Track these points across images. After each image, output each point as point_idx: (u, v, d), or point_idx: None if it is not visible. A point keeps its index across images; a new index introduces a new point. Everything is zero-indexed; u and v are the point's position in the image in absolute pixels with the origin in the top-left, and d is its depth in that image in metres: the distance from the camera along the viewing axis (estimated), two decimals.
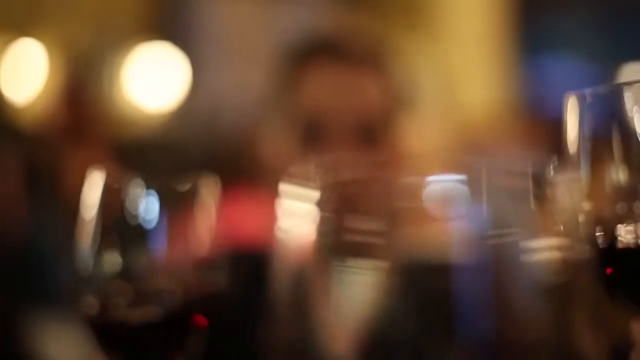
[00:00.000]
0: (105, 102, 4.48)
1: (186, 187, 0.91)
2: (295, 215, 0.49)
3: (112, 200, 0.90)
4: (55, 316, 2.99)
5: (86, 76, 4.47)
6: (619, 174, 0.70)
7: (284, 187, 0.50)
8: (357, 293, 0.48)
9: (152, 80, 4.81)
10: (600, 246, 0.71)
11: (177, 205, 0.91)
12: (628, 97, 0.70)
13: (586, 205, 0.71)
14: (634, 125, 0.70)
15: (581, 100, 0.71)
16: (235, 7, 5.01)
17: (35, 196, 3.34)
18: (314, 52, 1.65)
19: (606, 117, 0.71)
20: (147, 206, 0.90)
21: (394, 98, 1.62)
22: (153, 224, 0.89)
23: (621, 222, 0.70)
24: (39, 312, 2.83)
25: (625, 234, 0.70)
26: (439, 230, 0.47)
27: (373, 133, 1.55)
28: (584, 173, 0.71)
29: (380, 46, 1.82)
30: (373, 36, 2.06)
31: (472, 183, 0.47)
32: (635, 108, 0.70)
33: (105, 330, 0.88)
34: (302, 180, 0.49)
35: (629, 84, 0.70)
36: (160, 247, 0.89)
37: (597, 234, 0.70)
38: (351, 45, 1.67)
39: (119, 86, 4.77)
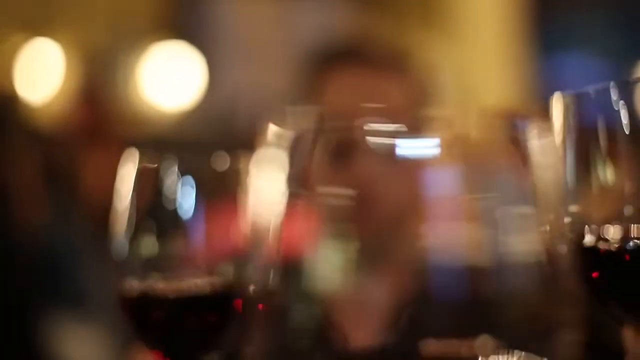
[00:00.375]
0: (121, 101, 4.49)
1: (224, 167, 0.89)
2: (266, 195, 0.49)
3: (147, 181, 0.89)
4: (71, 316, 3.00)
5: (102, 75, 4.48)
6: (607, 174, 0.69)
7: (253, 170, 0.51)
8: (332, 261, 0.48)
9: (168, 79, 4.82)
10: (587, 248, 0.69)
11: (215, 187, 0.89)
12: (616, 96, 0.68)
13: (573, 207, 0.69)
14: (622, 124, 0.68)
15: (569, 99, 0.71)
16: (250, 5, 5.01)
17: (53, 196, 3.35)
18: (336, 58, 1.66)
19: (594, 117, 0.70)
20: (184, 187, 0.88)
21: (417, 101, 1.63)
22: (189, 205, 0.88)
23: (609, 224, 0.69)
24: (56, 311, 2.84)
25: (613, 236, 0.69)
26: (415, 195, 0.47)
27: None
28: (570, 173, 0.70)
29: (402, 49, 1.83)
30: (394, 39, 2.06)
31: (445, 145, 0.48)
32: (621, 104, 0.68)
33: (144, 313, 0.88)
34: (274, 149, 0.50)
35: (617, 83, 0.69)
36: (197, 229, 0.88)
37: (585, 235, 0.69)
38: (373, 49, 1.68)
39: (135, 85, 4.79)
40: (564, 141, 0.70)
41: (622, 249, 0.68)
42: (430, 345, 0.47)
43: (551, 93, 0.70)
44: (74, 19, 4.64)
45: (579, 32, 5.42)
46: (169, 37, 4.83)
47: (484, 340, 0.46)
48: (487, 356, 0.46)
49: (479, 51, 5.21)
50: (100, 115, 3.79)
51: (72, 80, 4.44)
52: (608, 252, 0.68)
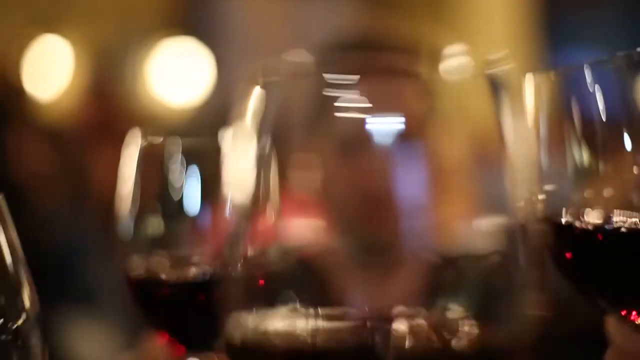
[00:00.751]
0: (130, 97, 4.50)
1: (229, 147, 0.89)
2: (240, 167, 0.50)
3: (151, 158, 0.90)
4: (82, 312, 3.01)
5: (111, 72, 4.50)
6: (581, 155, 0.68)
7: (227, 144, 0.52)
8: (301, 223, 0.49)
9: (177, 76, 4.83)
10: (562, 227, 0.68)
11: (219, 167, 0.89)
12: (590, 77, 0.67)
13: (548, 186, 0.68)
14: (596, 105, 0.67)
15: (542, 80, 0.69)
16: (259, 2, 5.01)
17: (62, 191, 3.36)
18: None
19: (567, 98, 0.69)
20: (188, 167, 0.89)
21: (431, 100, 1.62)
22: (194, 184, 0.89)
23: (584, 204, 0.68)
24: (66, 307, 2.85)
25: (588, 216, 0.68)
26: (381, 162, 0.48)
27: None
28: (544, 153, 0.68)
29: (415, 47, 1.83)
30: (403, 36, 2.07)
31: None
32: (596, 87, 0.67)
33: (149, 293, 0.89)
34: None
35: (590, 64, 0.68)
36: (203, 209, 0.89)
37: (559, 214, 0.68)
38: (385, 45, 1.67)
39: (144, 82, 4.79)
40: (537, 120, 0.69)
41: (596, 229, 0.67)
42: (402, 312, 0.48)
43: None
44: (83, 16, 4.65)
45: (590, 29, 5.41)
46: (177, 33, 4.84)
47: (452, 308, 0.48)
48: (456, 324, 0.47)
49: (488, 48, 5.20)
50: (109, 112, 3.80)
51: (81, 77, 4.45)
52: (582, 232, 0.67)
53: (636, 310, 0.68)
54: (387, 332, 0.48)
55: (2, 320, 0.57)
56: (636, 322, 0.69)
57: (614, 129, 0.67)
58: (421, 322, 0.48)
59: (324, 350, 0.49)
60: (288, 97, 0.52)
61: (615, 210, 0.67)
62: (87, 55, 4.52)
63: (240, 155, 0.52)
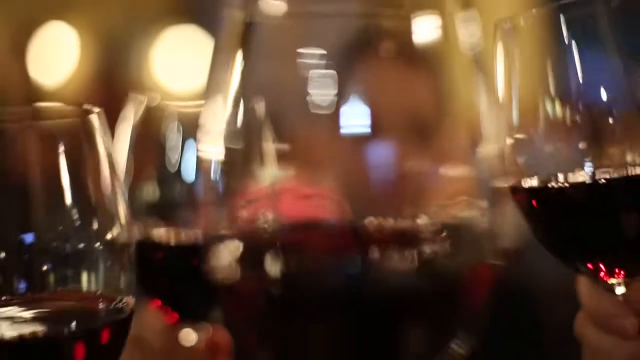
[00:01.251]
0: (135, 85, 4.51)
1: None
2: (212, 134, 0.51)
3: (148, 123, 0.90)
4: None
5: (117, 59, 4.50)
6: (554, 106, 0.66)
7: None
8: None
9: (182, 64, 4.83)
10: (529, 182, 0.67)
11: None
12: (564, 22, 0.65)
13: (517, 135, 0.67)
14: (571, 53, 0.65)
15: (511, 28, 0.67)
16: None
17: None
18: (361, 48, 1.66)
19: (539, 46, 0.67)
20: (183, 134, 0.89)
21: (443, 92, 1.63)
22: (189, 152, 0.89)
23: (551, 159, 0.66)
24: None
25: (557, 170, 0.66)
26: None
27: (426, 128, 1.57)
28: (514, 105, 0.67)
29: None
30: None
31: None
32: (570, 35, 0.66)
33: (143, 256, 0.89)
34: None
35: (564, 5, 0.65)
36: (197, 175, 0.89)
37: (528, 168, 0.67)
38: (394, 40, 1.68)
39: (149, 69, 4.80)
40: (507, 69, 0.67)
41: (566, 182, 0.66)
42: (372, 223, 0.49)
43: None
44: (89, 3, 4.66)
45: (595, 27, 5.38)
46: (183, 21, 4.85)
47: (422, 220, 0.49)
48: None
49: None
50: (114, 99, 3.81)
51: (87, 64, 4.46)
52: (550, 185, 0.66)
53: (603, 264, 0.67)
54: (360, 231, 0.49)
55: (97, 228, 0.59)
56: (608, 281, 0.68)
57: (587, 76, 0.66)
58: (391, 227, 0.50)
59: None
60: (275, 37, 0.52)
61: (587, 163, 0.66)
62: (93, 43, 4.53)
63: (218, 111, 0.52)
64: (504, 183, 0.58)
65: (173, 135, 0.89)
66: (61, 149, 0.58)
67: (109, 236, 0.60)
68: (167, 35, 4.83)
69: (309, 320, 0.49)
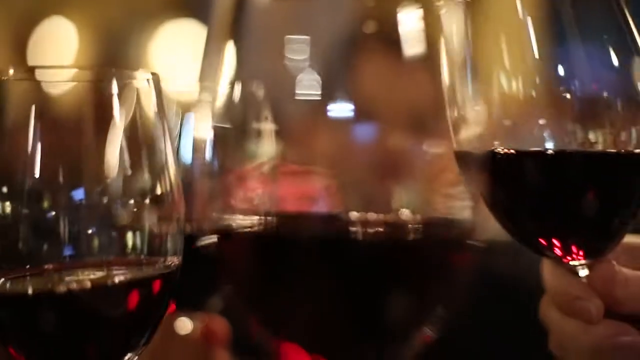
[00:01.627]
0: None
1: None
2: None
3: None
4: None
5: (116, 54, 4.51)
6: (509, 82, 0.65)
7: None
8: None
9: (181, 59, 4.83)
10: (486, 153, 0.65)
11: None
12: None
13: (477, 107, 0.65)
14: (527, 29, 0.64)
15: (460, 7, 0.67)
16: None
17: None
18: (363, 42, 1.67)
19: (488, 20, 0.66)
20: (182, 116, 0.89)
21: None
22: (186, 136, 0.88)
23: (508, 130, 0.65)
24: None
25: (510, 143, 0.65)
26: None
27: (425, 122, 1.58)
28: (471, 82, 0.66)
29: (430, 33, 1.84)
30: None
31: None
32: (524, 12, 0.65)
33: None
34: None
35: None
36: None
37: (482, 140, 0.65)
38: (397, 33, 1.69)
39: (148, 64, 4.81)
40: (463, 48, 0.66)
41: (522, 153, 0.65)
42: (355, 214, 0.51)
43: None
44: None
45: (594, 23, 5.39)
46: (182, 15, 4.85)
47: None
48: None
49: None
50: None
51: (86, 58, 4.47)
52: (507, 156, 0.65)
53: (559, 242, 0.66)
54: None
55: (150, 184, 0.61)
56: (570, 264, 0.67)
57: (545, 51, 0.65)
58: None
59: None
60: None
61: (545, 134, 0.65)
62: (93, 37, 4.53)
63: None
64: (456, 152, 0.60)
65: (171, 119, 0.90)
66: (115, 108, 0.60)
67: (157, 193, 0.61)
68: (166, 30, 4.84)
69: (297, 285, 0.51)
